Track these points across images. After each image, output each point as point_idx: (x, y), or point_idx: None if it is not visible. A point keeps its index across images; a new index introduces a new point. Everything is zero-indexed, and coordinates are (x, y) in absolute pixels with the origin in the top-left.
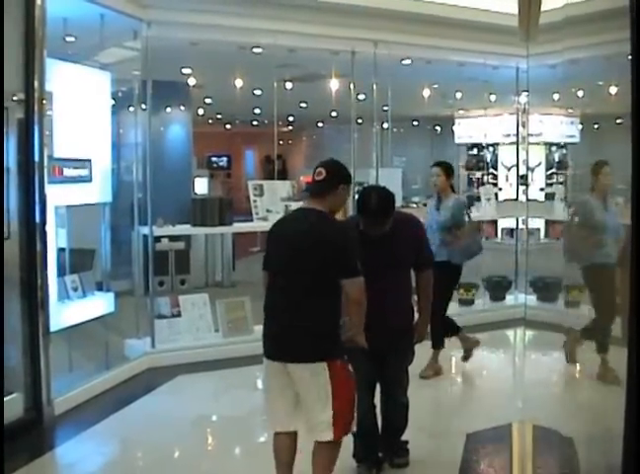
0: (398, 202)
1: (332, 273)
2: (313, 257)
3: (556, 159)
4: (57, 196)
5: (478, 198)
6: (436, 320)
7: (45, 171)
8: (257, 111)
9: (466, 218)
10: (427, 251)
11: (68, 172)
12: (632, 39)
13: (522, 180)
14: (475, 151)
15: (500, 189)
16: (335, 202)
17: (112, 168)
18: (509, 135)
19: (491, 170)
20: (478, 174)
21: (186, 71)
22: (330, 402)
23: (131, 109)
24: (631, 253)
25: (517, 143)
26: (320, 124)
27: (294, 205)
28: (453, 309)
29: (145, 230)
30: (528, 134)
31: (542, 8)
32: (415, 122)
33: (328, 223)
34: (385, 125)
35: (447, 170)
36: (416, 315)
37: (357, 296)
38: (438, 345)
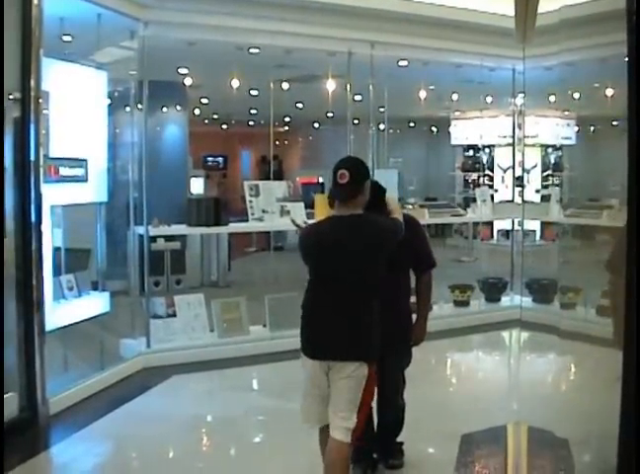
0: None
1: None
2: (371, 260)
3: (552, 161)
4: (53, 195)
5: (474, 200)
6: None
7: (41, 170)
8: (253, 111)
9: None
10: (426, 253)
11: (64, 171)
12: (629, 40)
13: (518, 181)
14: (471, 153)
15: (496, 190)
16: (363, 200)
17: (108, 168)
18: (505, 137)
19: (487, 171)
20: (474, 175)
21: (182, 71)
22: (356, 410)
23: (128, 108)
24: (628, 254)
25: (513, 145)
26: (316, 125)
27: (290, 206)
28: (449, 310)
29: (141, 230)
30: (524, 136)
31: (539, 10)
32: (411, 124)
33: (379, 221)
34: (382, 126)
35: None
36: (414, 317)
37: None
38: None
